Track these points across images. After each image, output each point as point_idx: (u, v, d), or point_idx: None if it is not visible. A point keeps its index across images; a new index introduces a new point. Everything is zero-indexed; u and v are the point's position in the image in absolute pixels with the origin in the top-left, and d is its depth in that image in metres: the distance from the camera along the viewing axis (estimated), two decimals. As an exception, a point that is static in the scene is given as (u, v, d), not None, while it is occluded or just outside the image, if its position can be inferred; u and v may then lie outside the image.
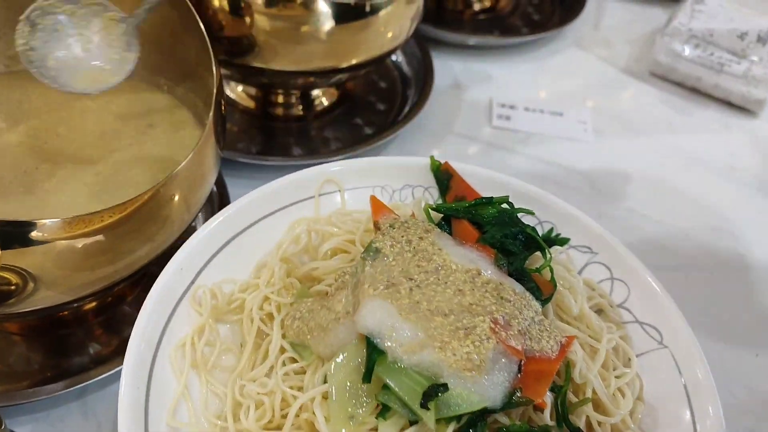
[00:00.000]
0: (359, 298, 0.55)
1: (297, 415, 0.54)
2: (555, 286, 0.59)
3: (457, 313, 0.54)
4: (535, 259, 0.62)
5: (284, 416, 0.55)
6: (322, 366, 0.56)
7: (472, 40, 1.13)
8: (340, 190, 0.70)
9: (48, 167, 0.65)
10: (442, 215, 0.62)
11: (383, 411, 0.51)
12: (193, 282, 0.62)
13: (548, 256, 0.60)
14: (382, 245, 0.58)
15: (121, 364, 0.55)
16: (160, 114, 0.72)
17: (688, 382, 0.60)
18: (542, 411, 0.53)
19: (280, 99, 0.98)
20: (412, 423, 0.50)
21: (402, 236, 0.58)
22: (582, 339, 0.59)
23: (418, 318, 0.53)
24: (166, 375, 0.57)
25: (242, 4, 0.75)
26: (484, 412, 0.50)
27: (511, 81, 1.11)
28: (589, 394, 0.56)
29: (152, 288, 0.59)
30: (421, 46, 1.07)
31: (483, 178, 0.71)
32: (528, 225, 0.61)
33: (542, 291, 0.58)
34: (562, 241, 0.69)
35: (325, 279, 0.64)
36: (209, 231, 0.64)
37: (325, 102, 1.01)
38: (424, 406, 0.49)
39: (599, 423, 0.56)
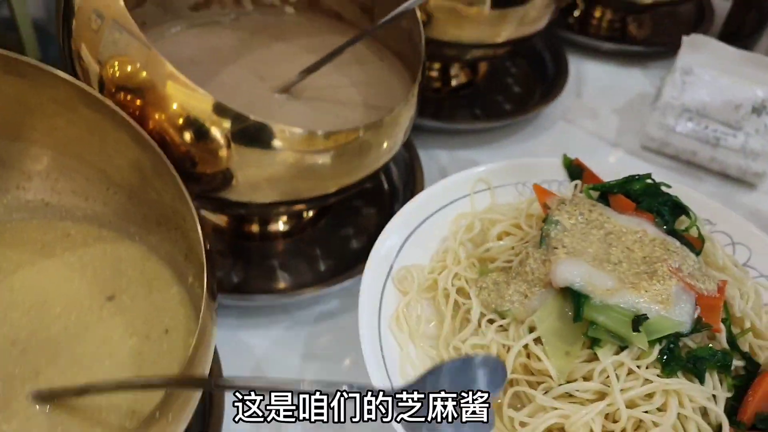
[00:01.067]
0: (552, 260, 0.66)
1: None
2: (703, 240, 0.71)
3: (638, 263, 0.65)
4: (680, 223, 0.74)
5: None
6: (522, 322, 0.66)
7: (458, 126, 1.04)
8: (489, 188, 0.82)
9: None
10: (599, 193, 0.74)
11: (594, 343, 0.61)
12: (391, 268, 0.73)
13: (693, 217, 0.72)
14: (560, 217, 0.69)
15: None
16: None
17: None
18: (716, 337, 0.64)
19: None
20: (621, 349, 0.61)
21: (575, 210, 0.70)
22: (731, 283, 0.70)
23: (607, 268, 0.64)
24: (390, 344, 0.67)
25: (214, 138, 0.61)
26: (677, 336, 0.61)
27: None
28: (748, 325, 0.67)
29: (364, 273, 0.69)
30: (407, 145, 0.94)
31: (610, 171, 0.83)
32: (673, 195, 0.73)
33: (694, 245, 0.70)
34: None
35: (499, 258, 0.74)
36: (395, 224, 0.75)
37: (311, 214, 0.88)
38: (636, 330, 0.59)
39: (760, 347, 0.67)
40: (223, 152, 0.61)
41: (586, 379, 0.61)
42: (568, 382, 0.62)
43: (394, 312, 0.70)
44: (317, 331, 0.78)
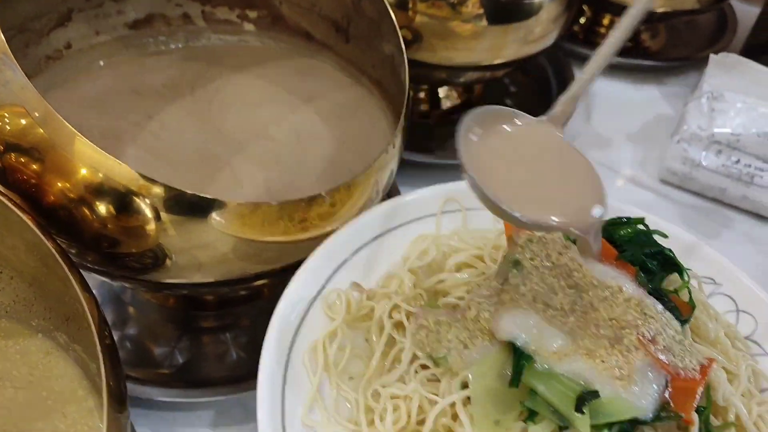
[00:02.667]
0: (502, 308, 0.55)
1: (434, 421, 0.53)
2: (693, 306, 0.59)
3: (602, 326, 0.53)
4: (669, 282, 0.62)
5: (420, 422, 0.54)
6: (457, 374, 0.55)
7: (448, 161, 0.88)
8: (461, 210, 0.71)
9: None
10: (577, 233, 0.63)
11: (530, 416, 0.50)
12: (323, 287, 0.63)
13: (686, 277, 0.60)
14: (522, 258, 0.58)
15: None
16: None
17: (825, 416, 0.58)
18: (688, 430, 0.52)
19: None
20: (561, 428, 0.50)
21: (541, 251, 0.58)
22: (720, 362, 0.58)
23: (563, 328, 0.53)
24: (299, 376, 0.57)
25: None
26: (635, 423, 0.50)
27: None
28: (732, 417, 0.55)
29: (284, 291, 0.60)
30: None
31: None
32: (665, 247, 0.61)
33: (681, 311, 0.58)
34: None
35: (452, 292, 0.64)
36: (337, 241, 0.65)
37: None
38: (578, 410, 0.48)
39: (743, 448, 0.55)
40: (150, 228, 0.49)
41: (512, 458, 0.50)
42: (494, 457, 0.51)
43: (314, 341, 0.60)
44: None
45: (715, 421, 0.55)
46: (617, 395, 0.49)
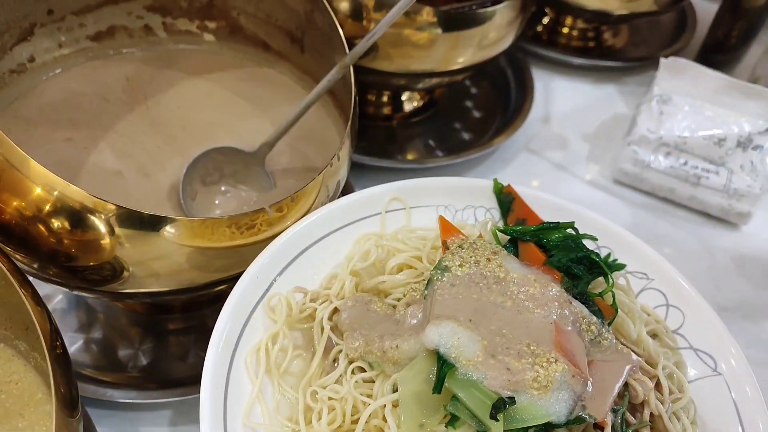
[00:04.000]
0: (428, 315, 0.58)
1: (366, 422, 0.57)
2: (616, 310, 0.62)
3: (524, 334, 0.56)
4: (597, 284, 0.64)
5: (354, 422, 0.58)
6: (390, 377, 0.58)
7: (406, 165, 0.89)
8: (405, 208, 0.73)
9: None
10: (509, 237, 0.65)
11: (452, 420, 0.53)
12: (267, 290, 0.65)
13: (611, 281, 0.62)
14: (451, 264, 0.60)
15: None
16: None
17: (742, 410, 0.62)
18: (603, 430, 0.56)
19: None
20: (479, 433, 0.53)
21: (470, 257, 0.61)
22: (640, 364, 0.61)
23: (485, 336, 0.56)
24: (241, 377, 0.60)
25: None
26: (548, 426, 0.53)
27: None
28: (647, 416, 0.59)
29: (230, 295, 0.63)
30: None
31: (543, 201, 0.73)
32: (592, 251, 0.64)
33: (604, 315, 0.61)
34: (619, 267, 0.71)
35: (392, 293, 0.66)
36: (282, 243, 0.67)
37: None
38: (493, 417, 0.51)
39: (657, 446, 0.58)
40: (105, 242, 0.51)
41: (434, 460, 0.54)
42: (417, 459, 0.54)
43: (257, 343, 0.62)
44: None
45: (632, 419, 0.58)
46: (533, 402, 0.52)
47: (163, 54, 0.74)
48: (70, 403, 0.53)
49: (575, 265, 0.62)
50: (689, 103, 0.87)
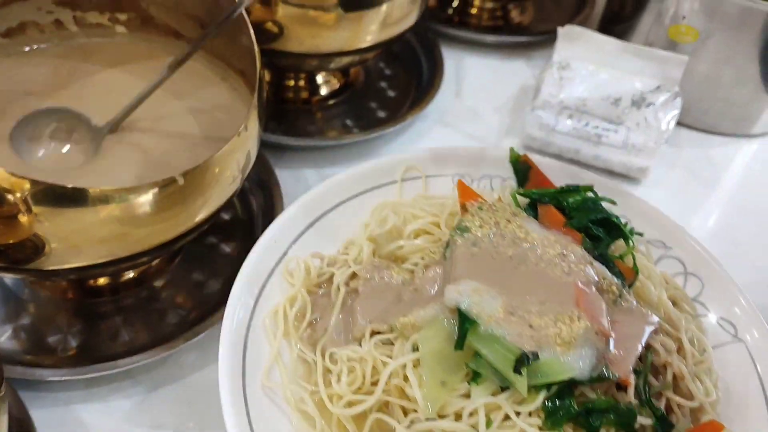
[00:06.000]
0: (449, 273, 0.58)
1: (387, 381, 0.56)
2: (637, 272, 0.61)
3: (546, 293, 0.56)
4: (617, 247, 0.64)
5: (374, 383, 0.57)
6: (408, 338, 0.58)
7: (323, 142, 0.89)
8: (421, 176, 0.73)
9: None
10: (528, 201, 0.65)
11: (474, 377, 0.53)
12: (284, 256, 0.65)
13: (631, 243, 0.62)
14: (471, 225, 0.60)
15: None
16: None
17: (764, 374, 0.61)
18: (626, 390, 0.55)
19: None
20: (502, 389, 0.52)
21: (490, 218, 0.61)
22: (662, 326, 0.60)
23: (507, 294, 0.55)
24: (259, 340, 0.60)
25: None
26: (572, 383, 0.52)
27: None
28: (669, 378, 0.58)
29: (247, 258, 0.62)
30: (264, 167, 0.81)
31: (559, 170, 0.73)
32: (612, 213, 0.63)
33: (625, 277, 0.60)
34: (636, 235, 0.70)
35: (410, 258, 0.66)
36: (297, 209, 0.67)
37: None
38: (517, 371, 0.51)
39: (679, 406, 0.57)
40: (24, 219, 0.50)
41: (457, 416, 0.53)
42: (439, 416, 0.53)
43: (275, 306, 0.62)
44: (172, 397, 0.64)
45: (654, 382, 0.58)
46: (556, 358, 0.52)
47: (76, 48, 0.74)
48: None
49: (595, 226, 0.62)
50: (586, 68, 0.91)
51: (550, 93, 0.89)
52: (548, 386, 0.52)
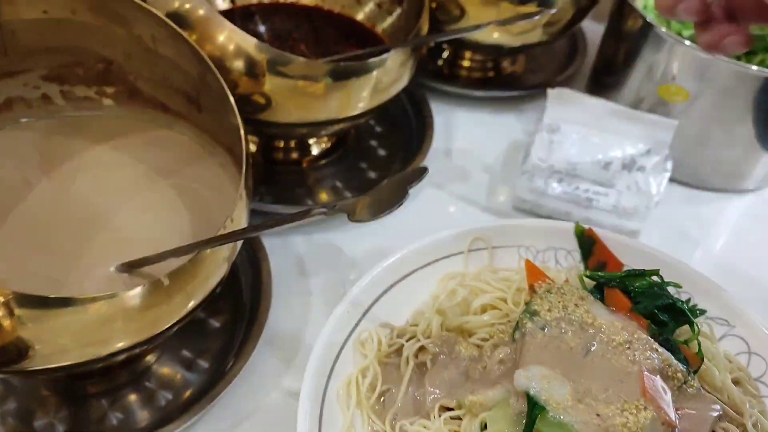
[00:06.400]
0: (520, 356, 0.60)
1: (455, 459, 0.59)
2: (702, 358, 0.62)
3: (612, 380, 0.58)
4: (681, 332, 0.65)
5: (442, 459, 0.60)
6: (476, 416, 0.60)
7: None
8: (487, 248, 0.76)
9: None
10: (595, 283, 0.67)
11: (542, 463, 0.55)
12: (356, 326, 0.68)
13: (696, 329, 0.63)
14: (540, 308, 0.62)
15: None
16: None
17: (829, 462, 0.62)
18: (690, 478, 0.57)
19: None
20: (570, 478, 0.54)
21: (559, 301, 0.63)
22: (725, 411, 0.62)
23: (575, 380, 0.58)
24: (333, 411, 0.63)
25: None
26: (638, 474, 0.54)
27: (358, 250, 0.85)
28: (735, 466, 0.59)
29: (322, 329, 0.65)
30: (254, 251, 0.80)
31: (623, 246, 0.75)
32: (678, 299, 0.65)
33: (690, 363, 0.61)
34: (699, 313, 0.72)
35: (477, 333, 0.68)
36: (369, 281, 0.70)
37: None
38: (584, 461, 0.53)
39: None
40: (7, 323, 0.51)
41: (523, 502, 0.55)
42: (507, 499, 0.56)
43: (348, 376, 0.65)
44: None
45: (719, 469, 0.59)
46: (623, 449, 0.54)
47: (64, 122, 0.74)
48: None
49: (661, 312, 0.63)
50: (576, 131, 0.90)
51: (539, 157, 0.89)
52: (615, 475, 0.54)
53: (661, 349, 0.60)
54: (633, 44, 0.97)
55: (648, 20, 0.93)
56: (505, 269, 0.74)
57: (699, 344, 0.63)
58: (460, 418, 0.62)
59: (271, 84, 0.73)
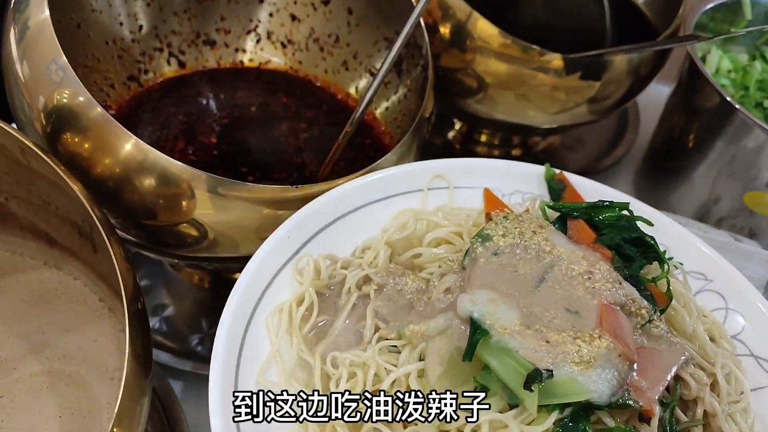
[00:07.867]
0: (467, 282, 0.54)
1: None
2: (671, 298, 0.56)
3: (569, 308, 0.52)
4: (650, 271, 0.59)
5: (375, 392, 0.53)
6: (416, 346, 0.54)
7: None
8: (449, 187, 0.70)
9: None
10: (558, 216, 0.61)
11: (482, 391, 0.49)
12: (296, 253, 0.62)
13: (666, 267, 0.57)
14: (494, 233, 0.56)
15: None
16: None
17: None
18: (648, 421, 0.50)
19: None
20: (511, 407, 0.48)
21: (515, 228, 0.57)
22: (695, 358, 0.55)
23: (526, 307, 0.52)
24: (260, 336, 0.57)
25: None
26: (588, 407, 0.48)
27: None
28: (700, 414, 0.53)
29: (256, 251, 0.60)
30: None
31: (595, 192, 0.69)
32: (647, 234, 0.59)
33: (657, 301, 0.55)
34: (671, 260, 0.65)
35: (427, 267, 0.62)
36: (316, 208, 0.64)
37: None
38: (527, 387, 0.46)
39: (707, 445, 0.52)
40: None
41: (459, 431, 0.49)
42: (441, 430, 0.49)
43: (281, 303, 0.59)
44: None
45: (682, 417, 0.53)
46: (572, 377, 0.47)
47: None
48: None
49: (628, 245, 0.57)
50: None
51: None
52: (561, 407, 0.47)
53: (625, 283, 0.54)
54: (707, 123, 0.74)
55: (728, 99, 0.69)
56: (466, 208, 0.68)
57: (668, 282, 0.57)
58: (399, 351, 0.55)
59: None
